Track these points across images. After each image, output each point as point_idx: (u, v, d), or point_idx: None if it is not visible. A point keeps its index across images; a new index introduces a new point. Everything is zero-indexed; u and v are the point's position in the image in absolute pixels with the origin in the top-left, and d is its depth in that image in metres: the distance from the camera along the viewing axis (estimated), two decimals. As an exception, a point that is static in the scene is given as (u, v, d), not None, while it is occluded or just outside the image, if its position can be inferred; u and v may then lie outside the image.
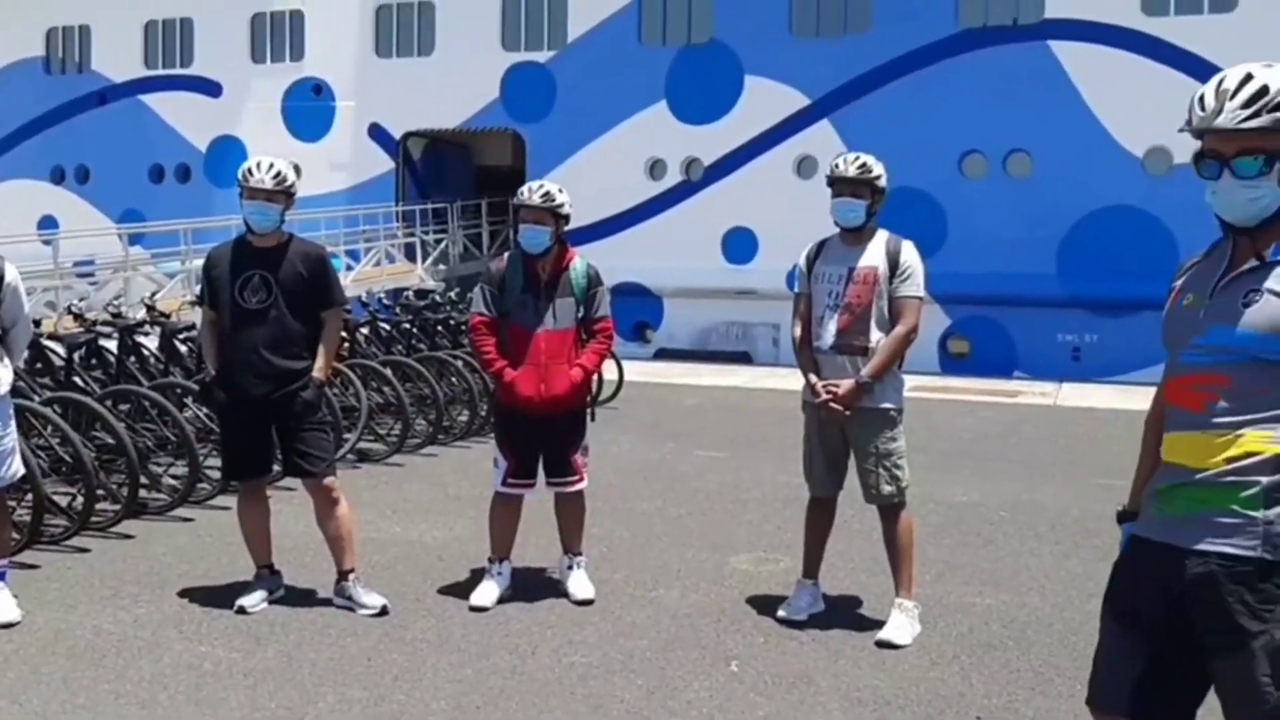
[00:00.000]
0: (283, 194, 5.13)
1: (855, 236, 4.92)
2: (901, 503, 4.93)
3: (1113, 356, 17.62)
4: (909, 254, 4.89)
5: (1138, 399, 11.73)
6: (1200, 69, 17.30)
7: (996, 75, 19.30)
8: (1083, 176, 18.73)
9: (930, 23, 19.81)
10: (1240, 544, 2.35)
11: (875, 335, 4.82)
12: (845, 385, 4.78)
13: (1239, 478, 2.36)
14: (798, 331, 5.02)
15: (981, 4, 19.89)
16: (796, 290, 5.06)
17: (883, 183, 4.91)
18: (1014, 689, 4.37)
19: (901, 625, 4.84)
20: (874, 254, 4.88)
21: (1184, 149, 17.78)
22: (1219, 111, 2.36)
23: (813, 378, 4.90)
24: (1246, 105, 2.33)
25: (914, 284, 4.86)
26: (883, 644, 4.76)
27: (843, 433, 4.92)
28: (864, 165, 4.87)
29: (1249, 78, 2.35)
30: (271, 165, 5.13)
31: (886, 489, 4.87)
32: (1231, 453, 2.37)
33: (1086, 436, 9.84)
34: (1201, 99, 2.39)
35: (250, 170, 5.12)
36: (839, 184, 4.89)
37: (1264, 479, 2.34)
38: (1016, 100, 19.14)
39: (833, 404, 4.80)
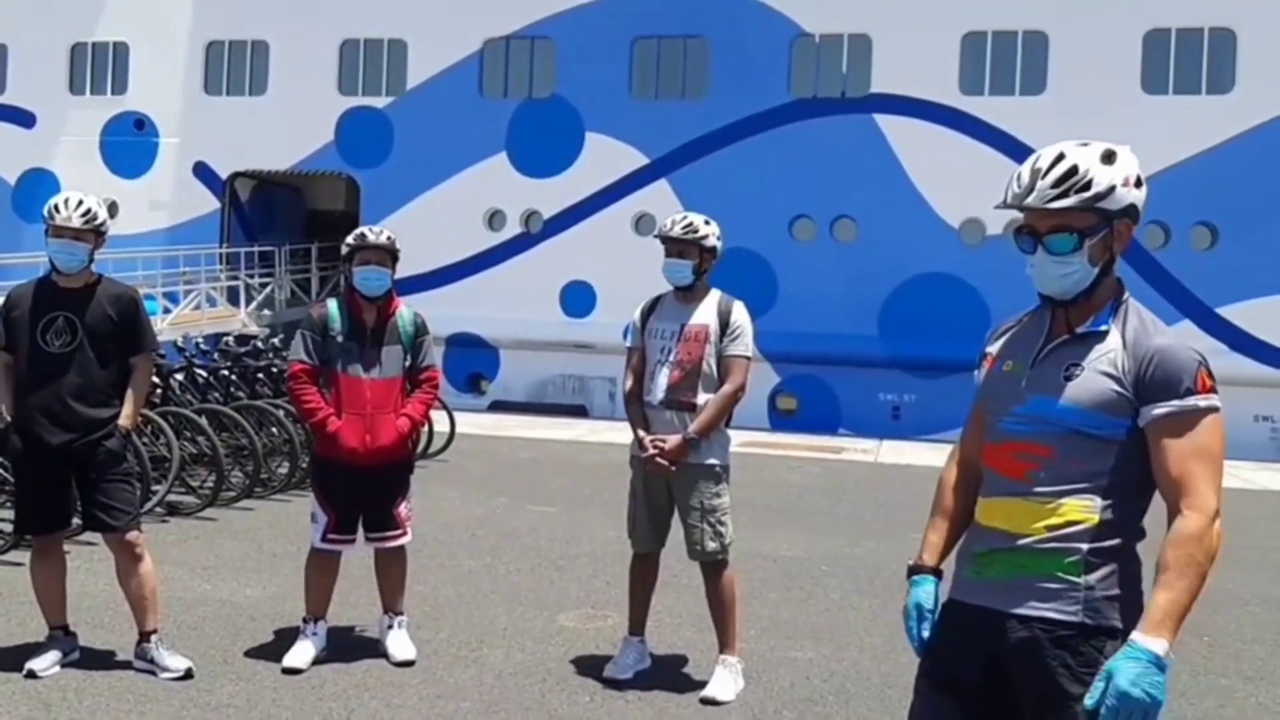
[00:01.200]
0: (92, 232, 4.83)
1: (688, 295, 5.00)
2: (724, 560, 4.96)
3: (929, 415, 18.40)
4: (739, 314, 4.98)
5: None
6: (1012, 146, 18.51)
7: (825, 144, 20.14)
8: (903, 244, 19.66)
9: (764, 91, 20.55)
10: (1062, 609, 2.40)
11: (704, 392, 4.88)
12: (672, 440, 4.82)
13: (1060, 544, 2.41)
14: (629, 384, 5.06)
15: (812, 76, 20.76)
16: (630, 344, 5.10)
17: (710, 243, 4.99)
18: (833, 743, 4.43)
19: (725, 681, 4.86)
20: (705, 312, 4.96)
21: (997, 221, 18.94)
22: (1030, 189, 2.43)
23: (641, 433, 4.93)
24: (1056, 184, 2.41)
25: (743, 344, 4.95)
26: (706, 700, 4.76)
27: (668, 489, 4.94)
28: (690, 225, 4.96)
29: (1060, 158, 2.43)
30: (80, 202, 4.83)
31: (710, 545, 4.89)
32: (1052, 521, 2.42)
33: (904, 492, 10.20)
34: (1019, 176, 2.47)
35: (57, 207, 4.82)
36: (668, 244, 4.98)
37: (1084, 546, 2.40)
38: (843, 169, 20.00)
39: (659, 459, 4.82)
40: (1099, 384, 2.42)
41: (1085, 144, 2.46)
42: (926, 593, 2.64)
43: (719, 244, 5.02)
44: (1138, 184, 2.46)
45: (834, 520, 8.95)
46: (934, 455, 12.66)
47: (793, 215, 20.70)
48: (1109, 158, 2.43)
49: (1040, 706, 2.42)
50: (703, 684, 4.88)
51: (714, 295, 5.03)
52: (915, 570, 2.69)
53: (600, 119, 21.23)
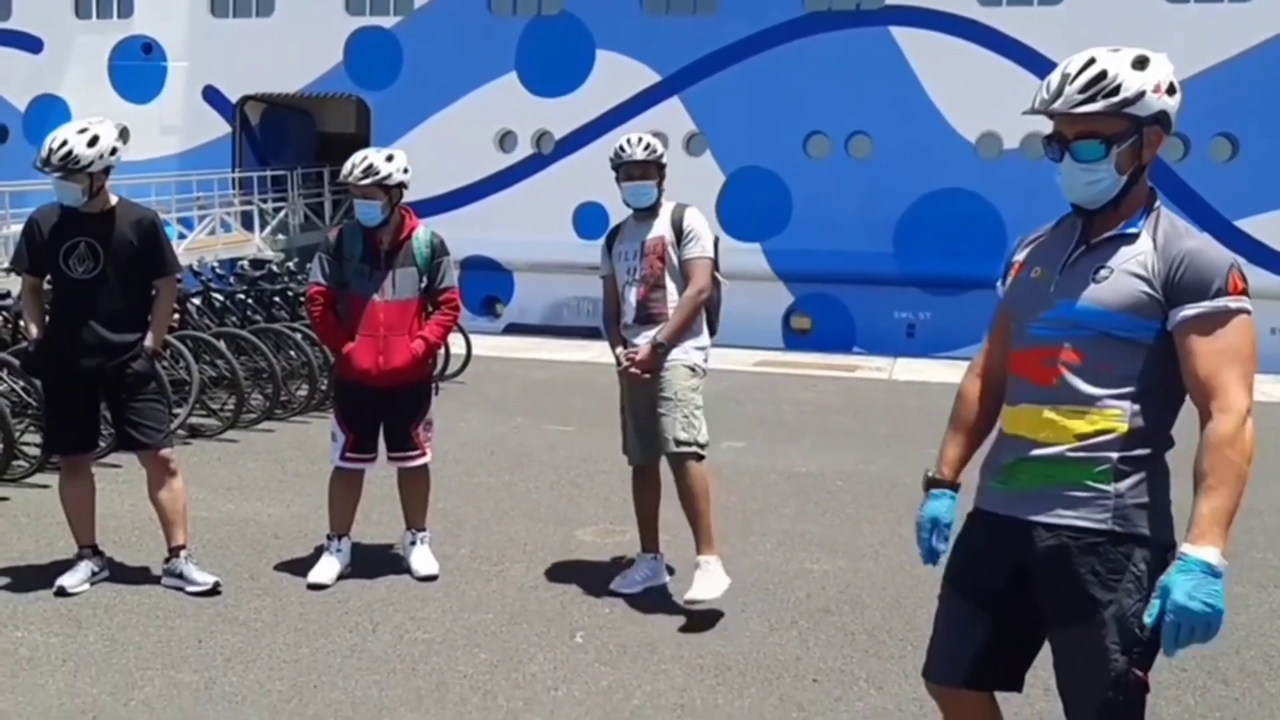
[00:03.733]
0: (80, 172, 4.73)
1: (646, 213, 5.04)
2: (696, 455, 4.88)
3: (945, 333, 18.40)
4: (692, 218, 5.00)
5: (967, 374, 12.23)
6: (1029, 58, 18.19)
7: (840, 58, 19.82)
8: (919, 160, 19.44)
9: (777, 5, 20.16)
10: (1091, 516, 2.40)
11: (672, 302, 4.95)
12: (644, 349, 4.87)
13: (1090, 453, 2.40)
14: (606, 309, 5.16)
15: (826, -12, 20.37)
16: (601, 274, 5.19)
17: (664, 160, 5.03)
18: (849, 652, 4.52)
19: (704, 582, 4.80)
20: (660, 224, 5.00)
21: (1014, 135, 18.70)
22: (1058, 95, 2.40)
23: (617, 350, 5.02)
24: (1084, 90, 2.37)
25: (699, 245, 4.96)
26: (691, 602, 4.76)
27: (651, 398, 4.98)
28: (649, 147, 4.95)
29: (1091, 62, 2.39)
30: (64, 144, 4.66)
31: (682, 435, 4.82)
32: (1082, 429, 2.41)
33: (919, 409, 10.23)
34: (1048, 82, 2.43)
35: (41, 150, 4.71)
36: (628, 167, 4.95)
37: (1114, 454, 2.39)
38: (859, 84, 19.70)
39: (633, 370, 4.87)
40: (1128, 285, 2.39)
41: (1117, 50, 2.42)
42: (942, 506, 2.66)
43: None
44: (1170, 91, 2.41)
45: (848, 437, 9.00)
46: (949, 373, 12.67)
47: (807, 132, 20.46)
48: (1141, 63, 2.38)
49: (1067, 613, 2.43)
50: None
51: (667, 206, 5.05)
52: (932, 483, 2.71)
53: (611, 36, 20.92)
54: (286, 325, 9.49)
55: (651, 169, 4.94)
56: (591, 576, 5.34)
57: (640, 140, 4.97)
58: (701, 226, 4.98)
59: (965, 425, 2.72)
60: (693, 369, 4.95)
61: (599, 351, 14.46)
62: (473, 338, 11.43)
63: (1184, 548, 2.26)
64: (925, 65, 19.67)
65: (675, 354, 4.91)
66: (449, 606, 4.93)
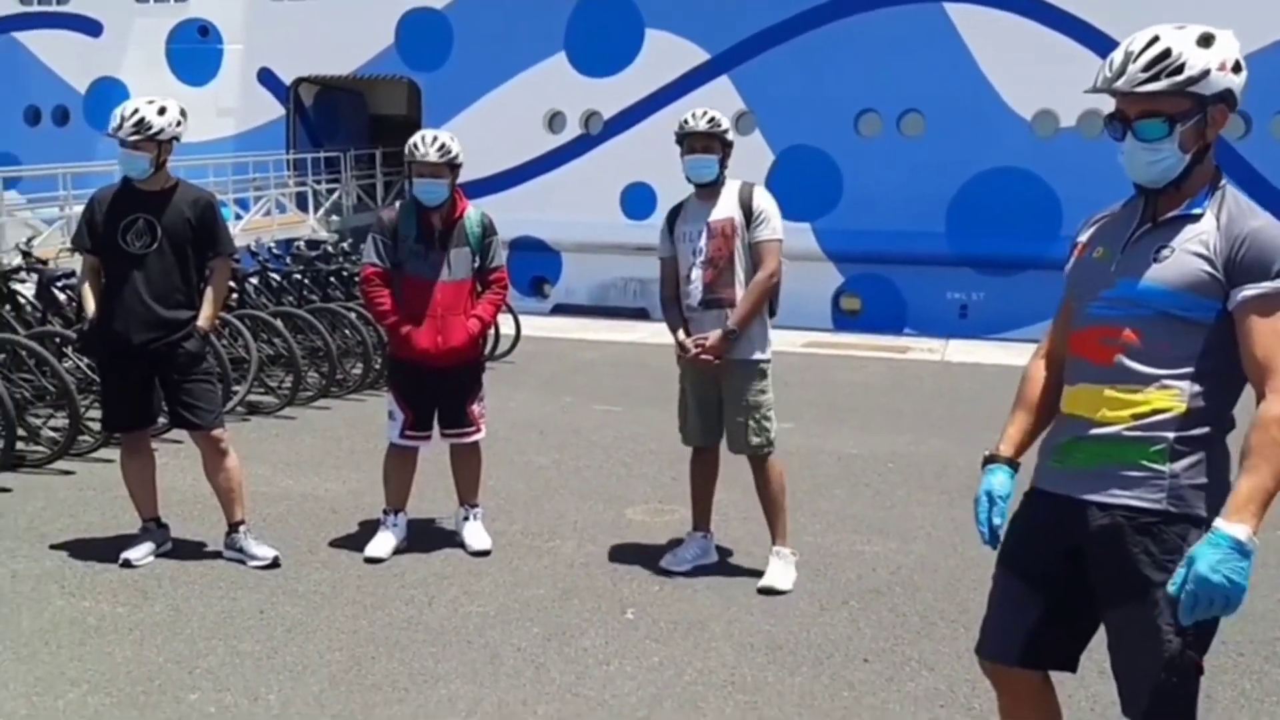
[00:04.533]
0: (148, 141, 4.88)
1: (709, 191, 4.96)
2: (769, 452, 5.00)
3: (998, 314, 18.16)
4: (761, 198, 4.94)
5: (1021, 355, 12.07)
6: (1086, 34, 17.82)
7: (893, 35, 19.56)
8: (973, 138, 19.16)
9: (829, -19, 19.94)
10: (1146, 496, 2.39)
11: (741, 285, 4.89)
12: (713, 336, 4.85)
13: (1146, 433, 2.39)
14: (666, 292, 5.08)
15: (879, -36, 20.08)
16: (660, 255, 5.10)
17: (730, 136, 4.96)
18: (900, 633, 4.53)
19: (780, 572, 4.96)
20: (727, 205, 4.92)
21: (1071, 113, 18.36)
22: (1121, 73, 2.37)
23: (680, 334, 4.97)
24: (1148, 68, 2.34)
25: (770, 228, 4.91)
26: (764, 590, 4.87)
27: (716, 384, 4.98)
28: (713, 120, 4.90)
29: (1155, 40, 2.36)
30: (136, 112, 4.84)
31: (755, 440, 4.94)
32: (1139, 409, 2.40)
33: (971, 391, 10.15)
34: (1111, 60, 2.41)
35: (114, 119, 4.86)
36: (690, 140, 4.90)
37: (1170, 434, 2.38)
38: (911, 60, 19.43)
39: (704, 356, 4.86)
40: (1189, 264, 2.37)
41: (1182, 27, 2.38)
42: (999, 480, 2.64)
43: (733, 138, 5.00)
44: (1236, 69, 2.38)
45: (899, 419, 8.95)
46: (1003, 354, 12.55)
47: (858, 110, 20.23)
48: (1206, 41, 2.35)
49: (1120, 593, 2.43)
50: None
51: (733, 185, 4.98)
52: (991, 459, 2.70)
53: (660, 14, 20.80)
54: (341, 305, 9.63)
55: (714, 143, 4.87)
56: (641, 554, 5.39)
57: (705, 113, 4.90)
58: (772, 207, 4.93)
59: (1028, 405, 2.71)
60: (762, 370, 4.94)
61: (647, 332, 14.49)
62: (521, 318, 11.50)
63: (1217, 522, 2.25)
64: (980, 41, 19.34)
65: (743, 351, 4.88)
66: (502, 581, 5.00)
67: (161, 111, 4.90)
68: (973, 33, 19.39)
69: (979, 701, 3.85)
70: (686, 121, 4.91)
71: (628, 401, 9.43)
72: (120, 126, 4.83)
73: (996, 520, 2.63)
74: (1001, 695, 2.78)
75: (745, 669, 4.15)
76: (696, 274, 4.91)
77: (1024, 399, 2.73)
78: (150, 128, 4.86)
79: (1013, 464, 2.68)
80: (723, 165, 4.93)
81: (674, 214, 5.08)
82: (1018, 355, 12.13)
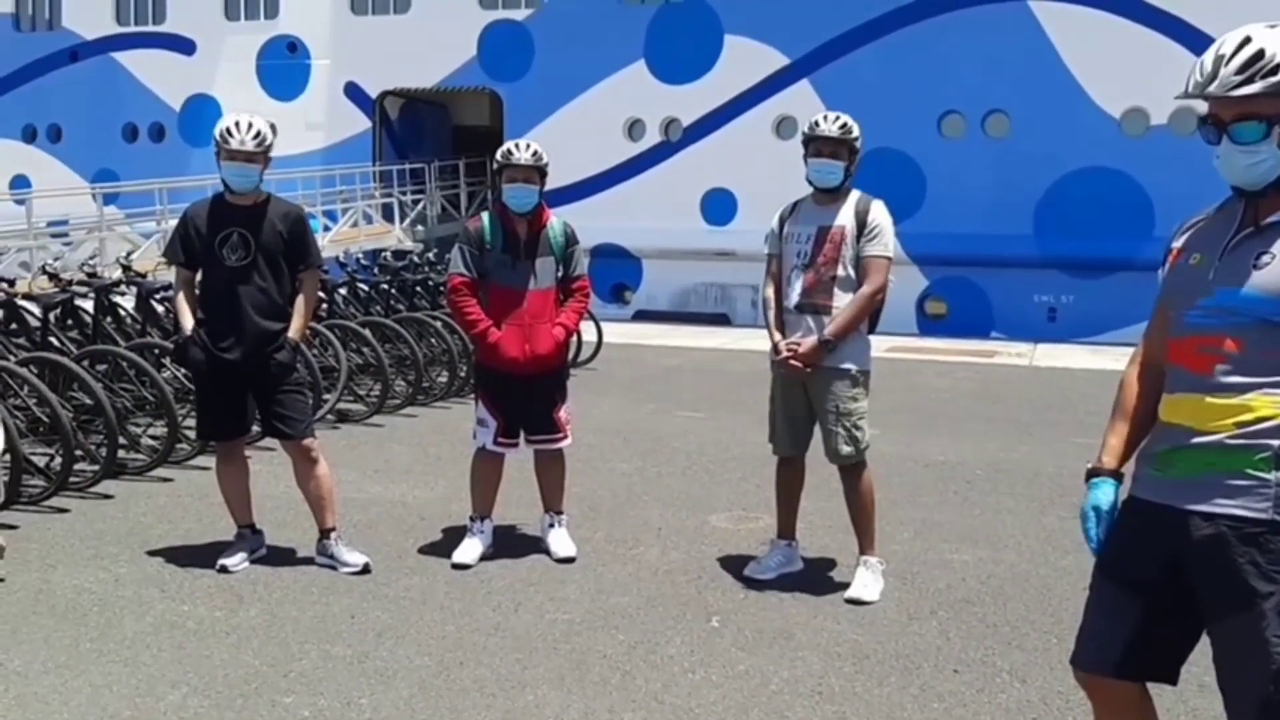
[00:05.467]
0: (262, 155, 5.05)
1: (829, 197, 4.90)
2: (861, 462, 4.95)
3: (1088, 317, 17.75)
4: (878, 213, 4.86)
5: (1112, 359, 11.84)
6: (1177, 28, 17.36)
7: (976, 35, 19.26)
8: (1060, 137, 18.77)
9: (911, -18, 19.72)
10: (1251, 505, 2.33)
11: (840, 295, 4.81)
12: (807, 344, 4.80)
13: (1251, 440, 2.34)
14: (768, 292, 5.02)
15: (963, -37, 19.79)
16: (768, 251, 5.05)
17: (859, 144, 4.89)
18: (990, 643, 4.44)
19: (868, 582, 4.91)
20: (844, 214, 4.86)
21: (1161, 110, 17.88)
22: (1214, 77, 2.32)
23: (776, 336, 4.92)
24: (1241, 70, 2.29)
25: (882, 243, 4.84)
26: (852, 601, 4.82)
27: (805, 393, 4.94)
28: (845, 125, 4.82)
29: (1246, 41, 2.31)
30: (251, 125, 5.03)
31: (845, 449, 4.87)
32: (1242, 417, 2.34)
33: (1062, 396, 9.93)
34: (1201, 64, 2.35)
35: (229, 131, 5.03)
36: (818, 143, 4.83)
37: (1276, 442, 2.32)
38: (995, 60, 19.12)
39: (793, 362, 4.82)
40: None
41: (1274, 26, 2.32)
42: (1105, 494, 2.60)
43: (862, 145, 4.93)
44: None
45: (988, 425, 8.79)
46: (1094, 359, 12.27)
47: (941, 111, 19.96)
48: None
49: (1225, 604, 2.37)
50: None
51: (853, 195, 4.91)
52: (1094, 473, 2.65)
53: (739, 20, 20.78)
54: (428, 314, 9.80)
55: (842, 149, 4.81)
56: (726, 562, 5.37)
57: (836, 117, 4.84)
58: (887, 224, 4.86)
59: (1127, 414, 2.66)
60: (855, 378, 4.88)
61: (728, 338, 14.47)
62: (603, 325, 11.57)
63: None
64: (1066, 39, 18.95)
65: (836, 360, 4.82)
66: (587, 588, 5.02)
67: (269, 127, 5.10)
68: (1058, 30, 19.01)
69: (1073, 714, 3.76)
70: (818, 124, 4.84)
71: (710, 408, 9.42)
72: (242, 140, 4.98)
73: (1103, 534, 2.58)
74: (1097, 707, 2.71)
75: (832, 678, 4.11)
76: (799, 277, 4.86)
77: (1122, 408, 2.68)
78: (266, 140, 5.04)
79: (1117, 476, 2.63)
80: (847, 173, 4.86)
81: (788, 213, 5.02)
82: (1109, 359, 11.85)
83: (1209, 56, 2.35)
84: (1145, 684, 2.63)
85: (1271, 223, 2.38)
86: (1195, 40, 15.98)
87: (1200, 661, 2.51)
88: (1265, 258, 2.35)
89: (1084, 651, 2.65)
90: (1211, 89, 2.33)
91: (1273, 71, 2.28)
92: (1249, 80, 2.29)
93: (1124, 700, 2.63)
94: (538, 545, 5.54)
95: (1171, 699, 3.55)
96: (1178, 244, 2.57)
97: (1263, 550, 2.32)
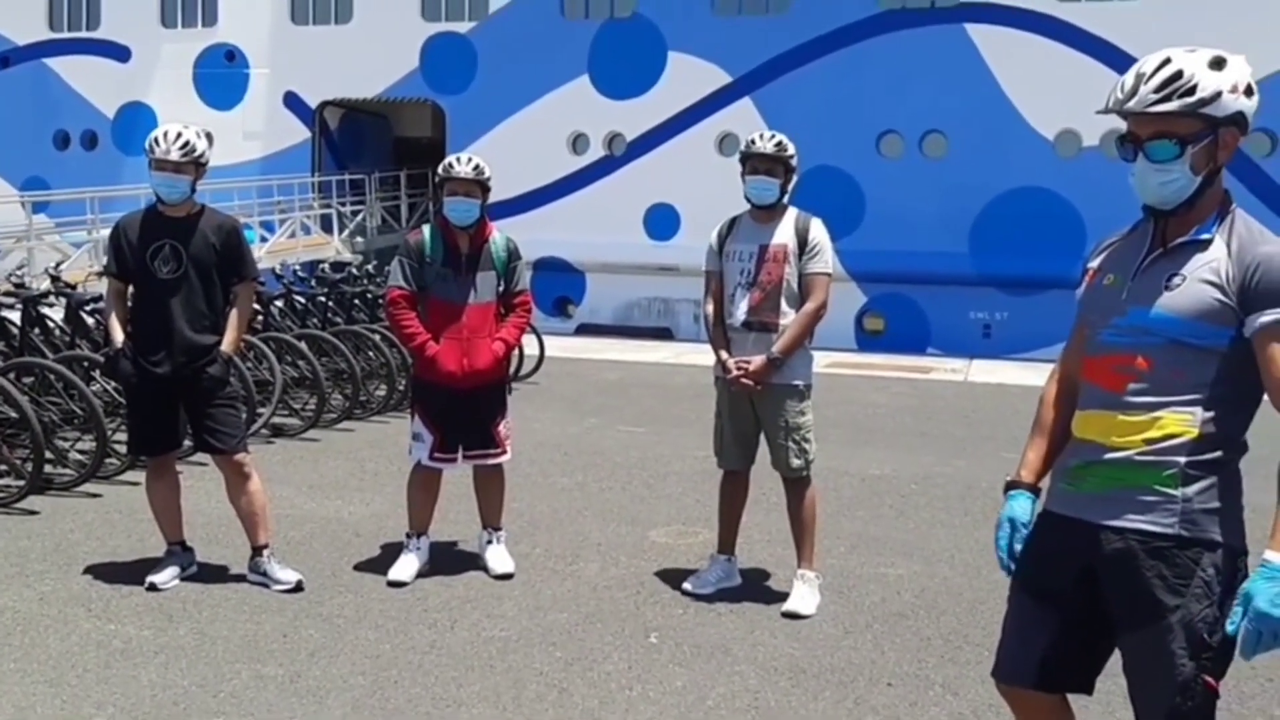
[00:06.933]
0: (192, 165, 4.96)
1: (766, 214, 4.96)
2: (807, 477, 5.02)
3: (1022, 334, 18.10)
4: (818, 231, 4.95)
5: (1044, 375, 11.98)
6: (1109, 54, 17.81)
7: (914, 57, 19.60)
8: (996, 158, 19.15)
9: (850, 4, 20.02)
10: (1159, 521, 2.39)
11: (785, 312, 4.89)
12: (756, 362, 4.85)
13: (1159, 457, 2.39)
14: (709, 309, 5.07)
15: (901, -14, 20.15)
16: (707, 268, 5.09)
17: (795, 161, 4.96)
18: (925, 656, 4.49)
19: (805, 596, 4.95)
20: (784, 232, 4.93)
21: (1093, 132, 18.31)
22: (1133, 94, 2.38)
23: (724, 354, 4.96)
24: (1159, 89, 2.35)
25: (823, 260, 4.93)
26: (788, 615, 4.85)
27: (753, 408, 4.98)
28: (780, 143, 4.90)
29: (1166, 62, 2.38)
30: (179, 135, 4.95)
31: (795, 462, 4.95)
32: (1151, 434, 2.40)
33: (995, 411, 10.10)
34: (1123, 82, 2.42)
35: (157, 140, 4.95)
36: (754, 160, 4.90)
37: (1182, 459, 2.38)
38: (933, 82, 19.47)
39: (744, 380, 4.86)
40: (1201, 292, 2.37)
41: (1194, 50, 2.40)
42: (1021, 507, 2.65)
43: (798, 163, 5.00)
44: (1248, 92, 2.39)
45: (923, 439, 8.91)
46: (1027, 374, 12.47)
47: (880, 131, 20.27)
48: (1218, 64, 2.36)
49: (1134, 617, 2.43)
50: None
51: (791, 213, 4.98)
52: (1011, 485, 2.70)
53: (682, 38, 20.96)
54: (366, 327, 9.69)
55: (778, 166, 4.88)
56: (665, 576, 5.38)
57: (772, 136, 4.92)
58: (827, 241, 4.95)
59: (1045, 429, 2.72)
60: (802, 393, 4.95)
61: (670, 352, 14.51)
62: (545, 338, 11.54)
63: (1267, 554, 2.25)
64: (1001, 62, 19.37)
65: (784, 377, 4.88)
66: (525, 605, 5.00)
67: (200, 136, 5.02)
68: (994, 53, 19.42)
69: (1005, 728, 3.81)
70: (754, 142, 4.92)
71: (651, 422, 9.43)
72: (167, 149, 4.90)
73: (1018, 547, 2.64)
74: (1019, 718, 2.76)
75: (769, 693, 4.13)
76: (743, 295, 4.92)
77: (1041, 424, 2.74)
78: (195, 150, 4.95)
79: (1034, 489, 2.69)
80: (784, 190, 4.93)
81: (725, 230, 5.06)
82: (1041, 375, 11.96)
83: (1130, 75, 2.42)
84: (1064, 695, 2.68)
85: (1180, 244, 2.45)
86: (1126, 64, 16.34)
87: (1121, 671, 2.56)
88: (1176, 279, 2.41)
89: (1003, 664, 2.70)
90: (1130, 105, 2.39)
91: (1189, 92, 2.35)
92: (1166, 99, 2.36)
93: (1044, 711, 2.69)
94: (475, 562, 5.50)
95: (1097, 710, 3.62)
96: (1094, 264, 2.63)
97: (1170, 564, 2.38)
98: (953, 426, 9.51)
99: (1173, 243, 2.46)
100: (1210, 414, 2.39)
